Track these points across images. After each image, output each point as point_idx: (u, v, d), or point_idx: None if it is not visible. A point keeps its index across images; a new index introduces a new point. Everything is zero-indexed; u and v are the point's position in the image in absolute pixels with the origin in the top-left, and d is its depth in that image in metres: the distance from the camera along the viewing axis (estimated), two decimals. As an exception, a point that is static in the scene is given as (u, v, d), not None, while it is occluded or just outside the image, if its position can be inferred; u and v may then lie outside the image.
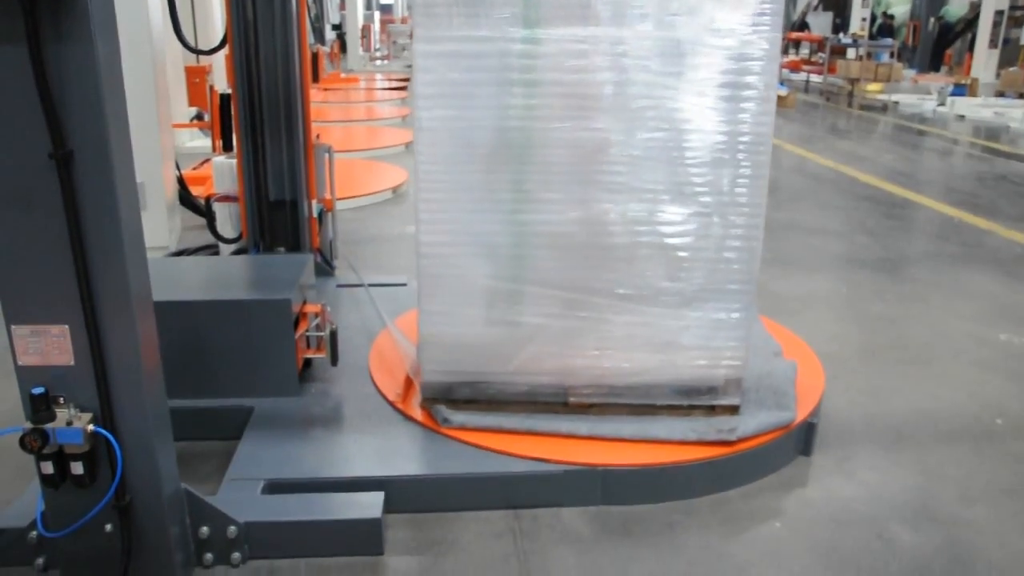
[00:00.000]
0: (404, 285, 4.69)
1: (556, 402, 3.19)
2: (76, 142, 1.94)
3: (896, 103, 16.36)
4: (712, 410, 3.19)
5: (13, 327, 2.04)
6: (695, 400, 3.19)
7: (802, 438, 3.24)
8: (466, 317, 3.11)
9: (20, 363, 2.07)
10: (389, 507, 2.69)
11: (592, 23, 2.80)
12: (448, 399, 3.17)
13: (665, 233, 3.00)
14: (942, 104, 15.31)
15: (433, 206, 2.99)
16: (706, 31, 2.82)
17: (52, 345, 2.06)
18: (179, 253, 5.55)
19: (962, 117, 14.49)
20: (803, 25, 25.31)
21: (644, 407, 3.18)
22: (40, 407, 2.04)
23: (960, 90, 16.08)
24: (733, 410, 3.19)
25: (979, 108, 14.62)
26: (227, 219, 4.99)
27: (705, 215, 2.98)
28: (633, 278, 3.05)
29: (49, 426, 2.04)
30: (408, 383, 3.42)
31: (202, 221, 5.83)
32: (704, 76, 2.85)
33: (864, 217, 7.23)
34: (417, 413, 3.19)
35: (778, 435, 3.11)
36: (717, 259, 3.03)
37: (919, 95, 16.77)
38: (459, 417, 3.08)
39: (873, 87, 17.14)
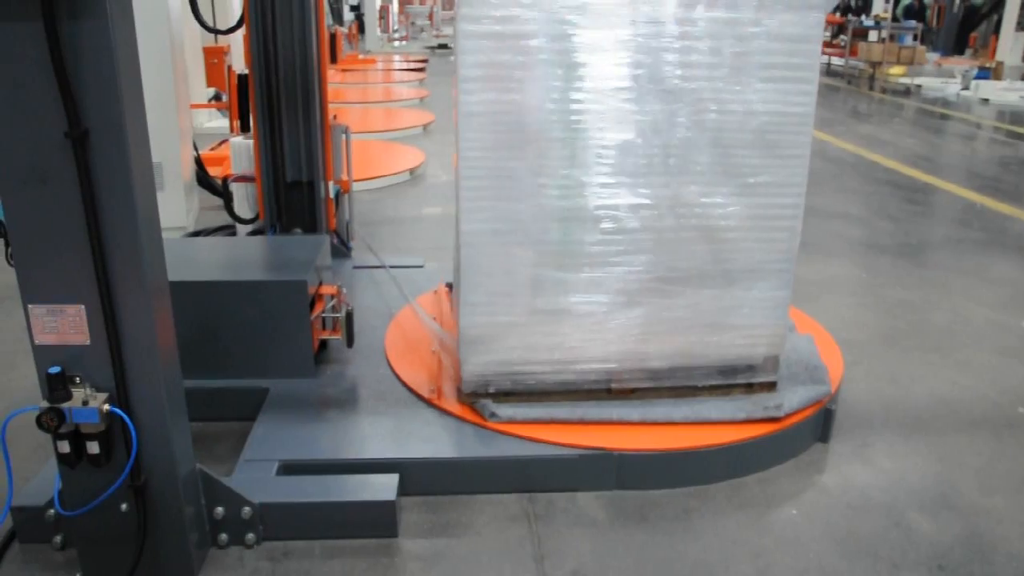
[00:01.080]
0: (421, 267, 4.68)
1: (599, 389, 3.16)
2: (91, 121, 1.93)
3: (919, 86, 16.14)
4: (751, 388, 3.23)
5: (30, 306, 2.05)
6: (734, 379, 3.23)
7: (820, 424, 3.21)
8: (509, 307, 3.02)
9: (37, 342, 2.07)
10: (403, 489, 2.70)
11: (641, 3, 2.76)
12: (488, 392, 3.10)
13: (712, 215, 3.00)
14: (966, 88, 15.08)
15: (477, 193, 2.88)
16: (752, 11, 2.81)
17: (68, 324, 2.06)
18: (196, 233, 5.56)
19: (986, 101, 14.27)
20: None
21: (685, 389, 3.19)
22: (57, 386, 2.04)
23: (984, 73, 15.83)
24: (771, 387, 3.24)
25: (1004, 92, 14.39)
26: (244, 199, 4.99)
27: (750, 196, 3.00)
28: (680, 261, 3.05)
29: (65, 405, 2.04)
30: (434, 370, 3.37)
31: (219, 201, 5.84)
32: (751, 58, 2.85)
33: (885, 202, 7.15)
34: (450, 405, 3.10)
35: (800, 418, 3.09)
36: (761, 239, 3.07)
37: (942, 78, 16.53)
38: (507, 411, 3.00)
39: (896, 70, 16.90)
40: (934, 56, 19.03)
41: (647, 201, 2.96)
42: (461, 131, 2.80)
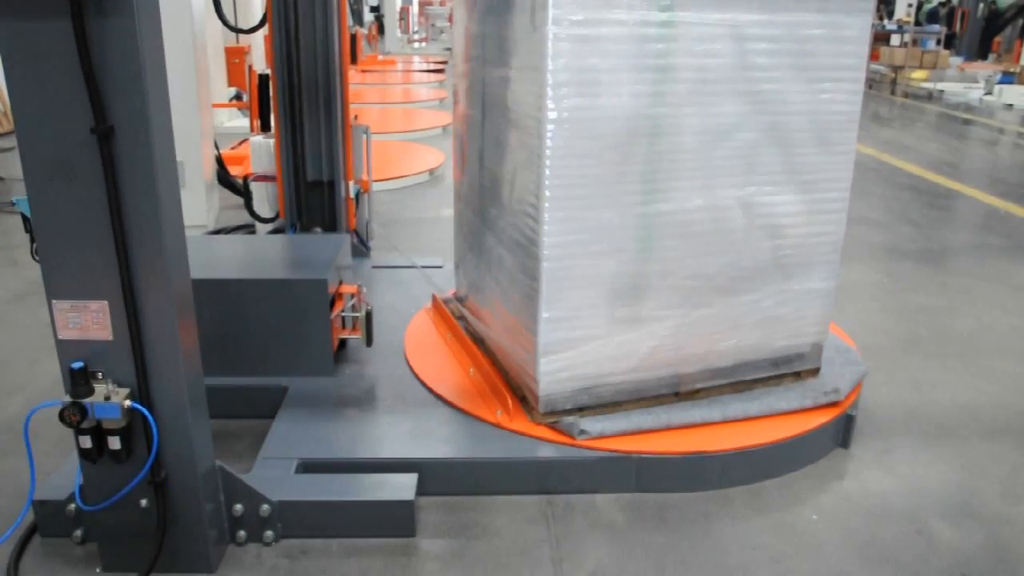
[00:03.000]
0: (440, 267, 4.68)
1: (667, 393, 3.16)
2: (117, 117, 1.94)
3: (941, 91, 16.01)
4: (798, 376, 3.35)
5: (54, 302, 2.06)
6: (784, 369, 3.33)
7: (840, 430, 3.18)
8: (590, 319, 2.93)
9: (60, 337, 2.09)
10: (422, 489, 2.69)
11: (722, 8, 2.76)
12: (565, 409, 3.01)
13: (775, 212, 3.09)
14: (989, 93, 14.94)
15: (563, 203, 2.76)
16: (813, 13, 2.87)
17: (91, 320, 2.07)
18: (216, 232, 5.59)
19: (1010, 106, 14.13)
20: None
21: (742, 383, 3.27)
22: (79, 381, 2.06)
23: (1008, 78, 15.66)
24: (815, 372, 3.37)
25: (1028, 97, 14.25)
26: (264, 199, 5.01)
27: (806, 192, 3.10)
28: (745, 260, 3.10)
29: (88, 400, 2.06)
30: (464, 381, 3.34)
31: (239, 200, 5.87)
32: (809, 59, 2.93)
33: (907, 207, 7.09)
34: (525, 427, 2.98)
35: (815, 427, 3.06)
36: (814, 232, 3.18)
37: (965, 83, 16.39)
38: (595, 426, 2.92)
39: (918, 74, 16.78)
40: (957, 61, 18.88)
41: (721, 203, 2.99)
42: (549, 140, 2.68)
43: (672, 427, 2.99)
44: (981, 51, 21.60)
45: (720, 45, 2.79)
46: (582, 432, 2.90)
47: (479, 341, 3.55)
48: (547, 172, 2.71)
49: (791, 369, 3.34)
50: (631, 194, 2.85)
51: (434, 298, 4.03)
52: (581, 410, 3.01)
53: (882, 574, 2.51)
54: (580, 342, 2.93)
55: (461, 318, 3.78)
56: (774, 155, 3.00)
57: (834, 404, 3.18)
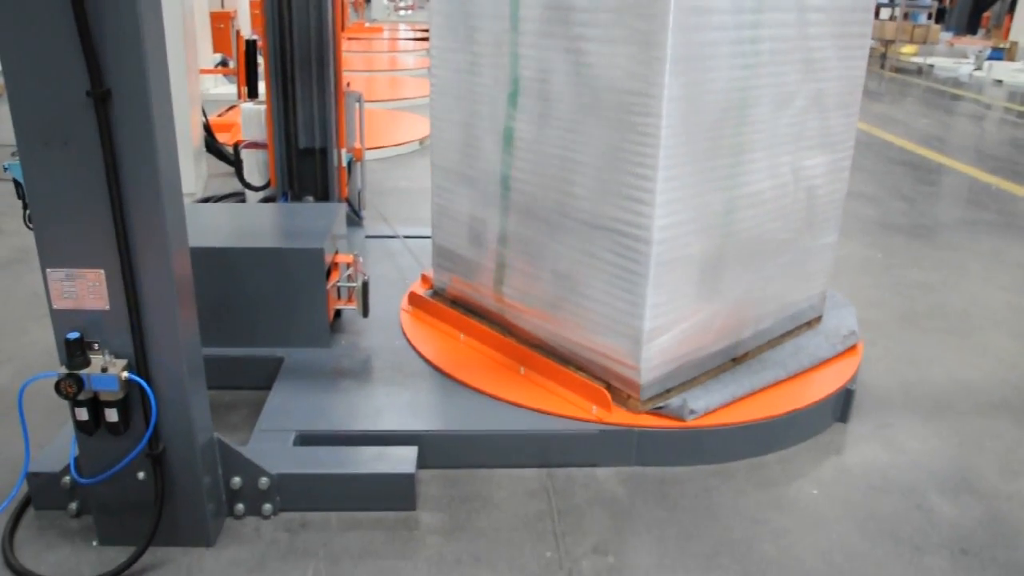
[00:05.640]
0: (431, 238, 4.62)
1: (726, 361, 3.17)
2: (114, 80, 1.87)
3: (931, 66, 15.99)
4: (809, 325, 3.52)
5: (48, 270, 2.00)
6: (799, 320, 3.48)
7: (840, 404, 3.18)
8: (682, 301, 2.87)
9: (55, 307, 2.03)
10: (421, 462, 2.66)
11: None
12: (658, 394, 2.93)
13: (811, 175, 3.19)
14: (979, 68, 14.93)
15: (672, 184, 2.63)
16: None
17: (87, 289, 2.02)
18: (205, 200, 5.50)
19: (1000, 82, 14.14)
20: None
21: (775, 340, 3.37)
22: (75, 352, 2.00)
23: (998, 54, 15.67)
24: (819, 320, 3.58)
25: (1018, 73, 14.22)
26: (255, 166, 4.93)
27: (831, 153, 3.24)
28: (791, 222, 3.19)
29: (84, 372, 2.01)
30: (473, 358, 3.29)
31: (228, 169, 5.79)
32: (836, 28, 2.99)
33: (899, 182, 7.08)
34: (626, 417, 2.87)
35: (820, 398, 3.06)
36: (832, 191, 3.34)
37: (955, 59, 16.37)
38: (699, 403, 2.88)
39: (907, 49, 16.74)
40: (947, 36, 18.84)
41: (780, 169, 3.02)
42: (663, 119, 2.52)
43: (755, 392, 3.04)
44: (970, 26, 21.56)
45: (792, 15, 2.78)
46: (691, 412, 2.86)
47: (489, 321, 3.43)
48: (663, 153, 2.56)
49: (804, 320, 3.49)
50: (720, 168, 2.79)
51: (423, 277, 3.91)
52: (668, 392, 2.97)
53: (883, 549, 2.51)
54: (673, 324, 2.87)
55: (457, 301, 3.61)
56: (815, 120, 3.08)
57: (852, 348, 3.43)
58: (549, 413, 2.88)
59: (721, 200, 2.84)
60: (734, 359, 3.19)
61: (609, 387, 2.93)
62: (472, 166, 3.32)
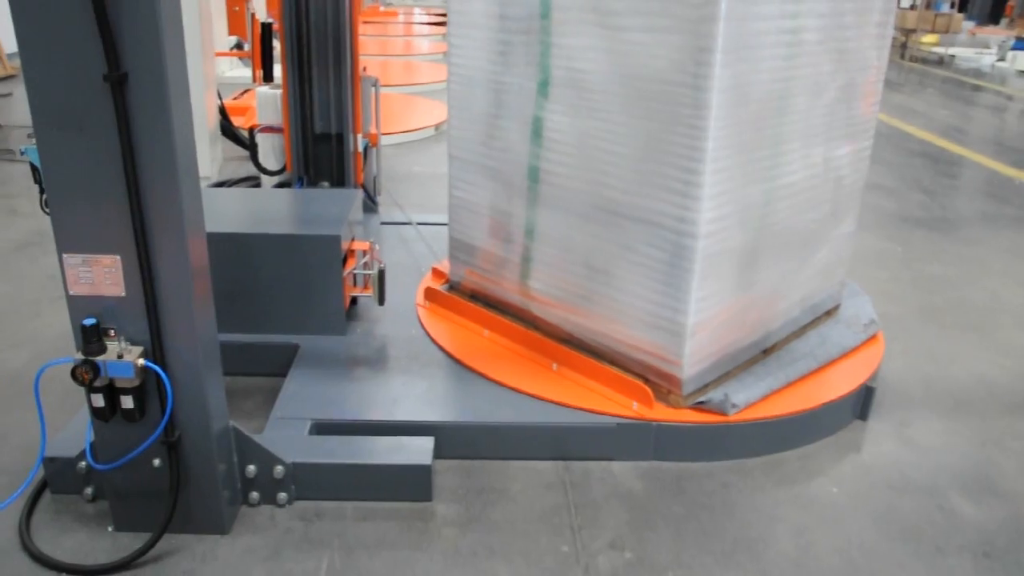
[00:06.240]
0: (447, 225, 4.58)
1: (757, 353, 3.15)
2: (131, 64, 1.84)
3: (952, 56, 15.79)
4: (829, 314, 3.52)
5: (65, 256, 1.98)
6: (819, 310, 3.48)
7: (859, 401, 3.14)
8: (725, 295, 2.83)
9: (71, 292, 2.01)
10: (437, 452, 2.64)
11: None
12: (698, 389, 2.91)
13: (839, 164, 3.19)
14: (1002, 59, 14.73)
15: (719, 176, 2.58)
16: None
17: (103, 275, 1.99)
18: (221, 184, 5.48)
19: (1023, 73, 13.94)
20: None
21: (799, 331, 3.36)
22: (91, 339, 1.98)
23: (1022, 44, 15.45)
24: (837, 309, 3.58)
25: (1041, 64, 14.07)
26: (270, 151, 4.90)
27: (855, 141, 3.24)
28: (820, 212, 3.18)
29: (100, 359, 1.99)
30: (479, 343, 3.26)
31: (243, 152, 5.76)
32: (870, 16, 3.00)
33: (919, 174, 6.99)
34: (665, 412, 2.83)
35: (836, 399, 3.02)
36: (854, 180, 3.35)
37: (976, 49, 16.16)
38: (741, 396, 2.85)
39: (928, 39, 16.52)
40: (968, 25, 18.59)
41: (813, 159, 3.01)
42: (713, 110, 2.47)
43: (791, 383, 3.03)
44: (993, 15, 21.28)
45: (828, 4, 2.74)
46: (733, 406, 2.83)
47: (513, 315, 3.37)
48: (711, 145, 2.51)
49: (824, 309, 3.50)
50: (762, 160, 2.76)
51: (434, 271, 3.85)
52: (706, 387, 2.94)
53: (904, 550, 2.48)
54: (714, 318, 2.83)
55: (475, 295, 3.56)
56: (844, 110, 3.06)
57: (874, 337, 3.46)
58: (567, 405, 2.85)
59: (761, 192, 2.80)
60: (764, 351, 3.17)
61: (647, 382, 2.89)
62: (495, 157, 3.23)
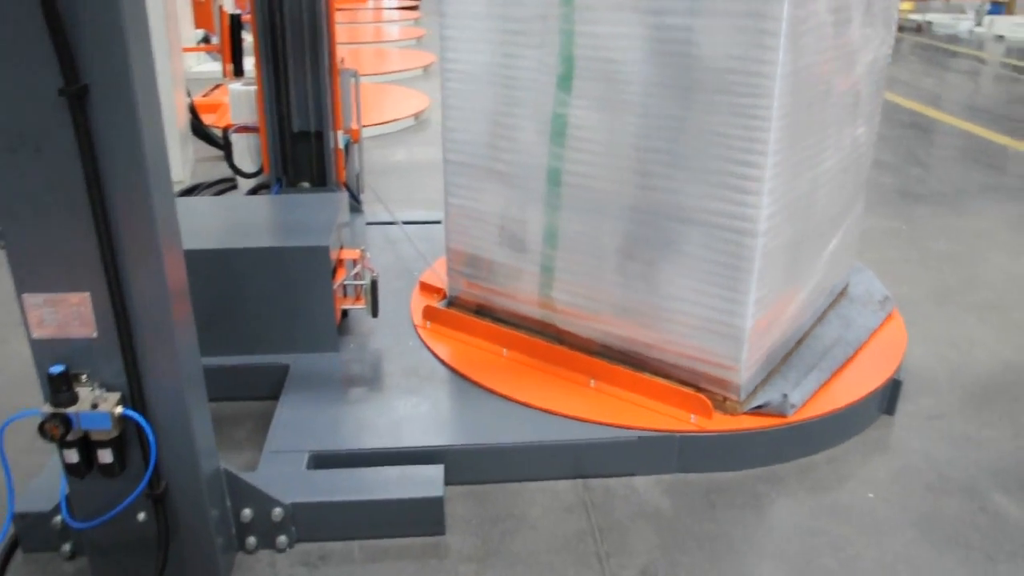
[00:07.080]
0: (439, 223, 4.36)
1: (792, 346, 3.04)
2: (92, 75, 1.61)
3: (929, 23, 15.65)
4: (843, 293, 3.48)
5: (25, 296, 1.74)
6: (835, 292, 3.42)
7: (886, 396, 2.97)
8: (776, 293, 2.68)
9: (34, 336, 1.77)
10: (447, 478, 2.43)
11: None
12: (750, 392, 2.76)
13: (863, 145, 3.15)
14: (979, 24, 14.61)
15: (778, 171, 2.41)
16: None
17: (71, 315, 1.76)
18: (193, 188, 5.21)
19: (1001, 37, 13.83)
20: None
21: (823, 315, 3.29)
22: (60, 388, 1.75)
23: (998, 8, 15.33)
24: (847, 288, 3.53)
25: (1020, 28, 13.93)
26: (246, 151, 4.64)
27: (869, 123, 3.19)
28: (847, 195, 3.13)
29: (72, 410, 1.75)
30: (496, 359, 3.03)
31: (216, 152, 5.50)
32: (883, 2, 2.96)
33: (913, 146, 6.84)
34: (726, 422, 2.67)
35: (865, 396, 2.85)
36: (867, 160, 3.32)
37: (953, 14, 16.03)
38: (796, 395, 2.72)
39: (904, 6, 16.38)
40: (942, -10, 18.44)
41: (846, 143, 2.93)
42: (775, 99, 2.29)
43: (835, 372, 2.94)
44: (964, -20, 21.15)
45: None
46: (792, 406, 2.68)
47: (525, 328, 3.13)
48: (773, 136, 2.33)
49: (838, 291, 3.44)
50: (808, 148, 2.59)
51: (422, 285, 3.58)
52: (755, 390, 2.78)
53: (953, 558, 2.32)
54: (766, 317, 2.67)
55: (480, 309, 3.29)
56: (866, 87, 3.00)
57: (891, 316, 3.40)
58: (580, 419, 2.65)
59: (807, 180, 2.64)
60: (798, 342, 3.07)
61: (699, 390, 2.71)
62: (504, 160, 2.94)
